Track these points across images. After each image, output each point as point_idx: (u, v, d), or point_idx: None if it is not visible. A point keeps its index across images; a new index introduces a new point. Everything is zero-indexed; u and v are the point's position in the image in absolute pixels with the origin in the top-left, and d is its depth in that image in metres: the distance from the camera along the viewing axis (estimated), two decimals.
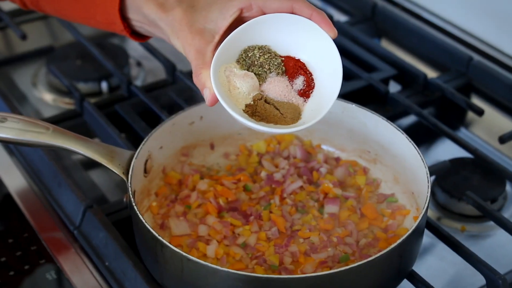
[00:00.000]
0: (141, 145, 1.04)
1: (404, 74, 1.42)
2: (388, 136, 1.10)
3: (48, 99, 1.47)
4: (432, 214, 1.20)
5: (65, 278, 1.05)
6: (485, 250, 1.12)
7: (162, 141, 1.10)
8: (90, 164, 1.27)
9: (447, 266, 1.11)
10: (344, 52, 1.47)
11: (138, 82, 1.50)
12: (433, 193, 1.22)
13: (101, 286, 1.04)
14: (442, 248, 1.09)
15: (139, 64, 1.55)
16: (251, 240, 1.01)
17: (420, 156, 1.02)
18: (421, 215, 0.94)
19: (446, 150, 1.31)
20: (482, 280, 1.02)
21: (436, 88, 1.38)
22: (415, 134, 1.12)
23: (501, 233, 1.13)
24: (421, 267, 1.06)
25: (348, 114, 1.13)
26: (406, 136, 1.06)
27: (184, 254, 0.89)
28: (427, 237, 1.10)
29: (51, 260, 1.07)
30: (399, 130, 1.08)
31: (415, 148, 1.04)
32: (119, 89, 1.45)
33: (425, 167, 1.01)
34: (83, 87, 1.44)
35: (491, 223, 1.16)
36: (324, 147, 1.18)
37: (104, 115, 1.29)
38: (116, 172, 1.01)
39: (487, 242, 1.16)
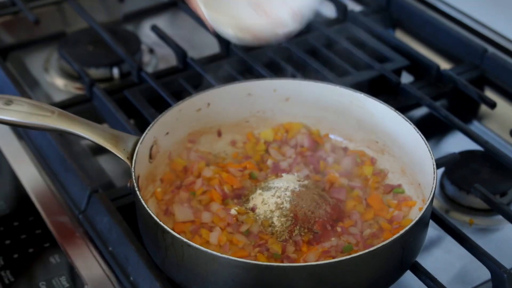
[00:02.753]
0: (146, 131, 1.04)
1: (417, 65, 1.40)
2: (396, 127, 1.09)
3: (59, 84, 1.47)
4: (440, 206, 1.19)
5: (68, 262, 1.05)
6: (492, 244, 1.10)
7: (169, 127, 1.09)
8: (99, 150, 1.27)
9: (453, 259, 1.09)
10: (357, 42, 1.46)
11: (150, 69, 1.50)
12: (442, 186, 1.21)
13: (103, 271, 1.04)
14: (448, 241, 1.08)
15: (151, 50, 1.55)
16: (254, 228, 1.01)
17: (427, 147, 1.01)
18: (426, 206, 0.93)
19: (457, 143, 1.30)
20: (488, 274, 1.01)
21: (448, 80, 1.36)
22: (426, 126, 1.12)
23: (509, 227, 1.12)
24: (427, 260, 1.05)
25: (356, 103, 1.13)
26: (414, 126, 1.05)
27: (184, 240, 0.89)
28: (434, 230, 1.09)
29: (56, 244, 1.08)
30: (407, 121, 1.06)
31: (422, 139, 1.03)
32: (130, 75, 1.44)
33: (432, 158, 0.99)
34: (94, 72, 1.44)
35: (500, 217, 1.15)
36: (332, 136, 1.17)
37: (114, 100, 1.29)
38: (120, 157, 1.01)
39: (495, 236, 1.15)
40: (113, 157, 1.04)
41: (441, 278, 0.99)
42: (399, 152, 1.10)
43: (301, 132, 1.17)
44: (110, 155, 1.04)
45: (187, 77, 1.36)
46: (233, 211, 1.02)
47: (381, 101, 1.10)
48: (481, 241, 1.03)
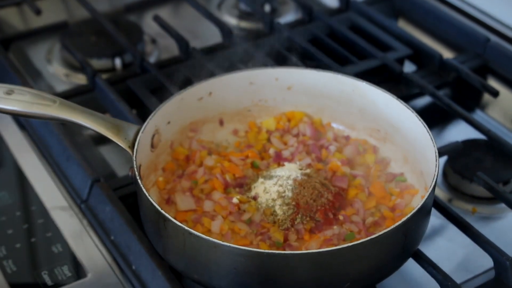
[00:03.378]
0: (148, 120, 1.04)
1: (420, 54, 1.40)
2: (398, 115, 1.08)
3: (62, 75, 1.47)
4: (443, 195, 1.18)
5: (71, 251, 1.05)
6: (496, 232, 1.10)
7: (170, 116, 1.09)
8: (101, 140, 1.27)
9: (456, 248, 1.09)
10: (359, 31, 1.45)
11: (152, 59, 1.49)
12: (444, 174, 1.21)
13: (106, 260, 1.04)
14: (451, 230, 1.08)
15: (153, 41, 1.55)
16: (256, 216, 1.01)
17: (429, 134, 1.01)
18: (428, 194, 0.93)
19: (460, 132, 1.29)
20: (490, 262, 1.00)
21: (451, 68, 1.36)
22: (429, 115, 1.11)
23: None
24: (429, 248, 1.05)
25: (358, 92, 1.12)
26: (416, 114, 1.05)
27: (186, 228, 0.89)
28: (437, 219, 1.09)
29: (58, 233, 1.07)
30: (409, 109, 1.06)
31: (424, 126, 1.02)
32: (132, 65, 1.44)
33: (434, 146, 0.99)
34: (96, 63, 1.43)
35: (503, 205, 1.15)
36: (334, 125, 1.17)
37: (116, 90, 1.28)
38: (122, 145, 1.01)
39: (498, 225, 1.15)
40: (115, 147, 1.04)
41: (444, 266, 0.98)
42: (402, 140, 1.09)
43: (303, 121, 1.16)
44: (112, 145, 1.04)
45: (190, 67, 1.36)
46: (235, 200, 1.02)
47: (383, 89, 1.10)
48: (484, 230, 1.03)
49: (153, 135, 1.06)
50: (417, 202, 1.03)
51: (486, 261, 1.02)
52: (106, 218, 1.07)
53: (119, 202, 1.08)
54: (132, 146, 1.00)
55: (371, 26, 1.46)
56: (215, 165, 1.09)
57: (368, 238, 0.87)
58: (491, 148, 1.21)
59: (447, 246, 1.10)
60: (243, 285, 0.90)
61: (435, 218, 1.08)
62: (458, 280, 0.97)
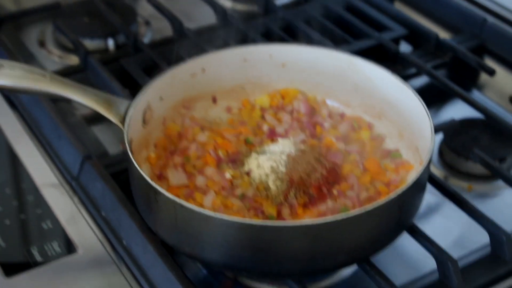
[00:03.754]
0: (139, 94, 1.02)
1: (416, 34, 1.39)
2: (393, 91, 1.07)
3: (55, 56, 1.45)
4: (439, 173, 1.17)
5: (61, 227, 1.03)
6: (492, 209, 1.08)
7: (162, 92, 1.08)
8: (93, 119, 1.26)
9: (452, 225, 1.08)
10: (355, 12, 1.44)
11: (146, 41, 1.48)
12: (440, 152, 1.19)
13: (96, 236, 1.02)
14: (447, 207, 1.07)
15: (147, 23, 1.53)
16: (249, 191, 0.99)
17: (424, 108, 1.00)
18: (423, 167, 0.92)
19: (457, 112, 1.28)
20: (486, 238, 0.99)
21: (448, 48, 1.34)
22: (425, 96, 1.09)
23: (508, 193, 1.11)
24: (425, 225, 1.03)
25: (353, 68, 1.11)
26: (412, 90, 1.03)
27: (177, 201, 0.87)
28: (433, 196, 1.08)
29: (48, 210, 1.06)
30: (404, 84, 1.05)
31: (419, 100, 1.01)
32: (125, 46, 1.43)
33: (430, 120, 0.98)
34: (89, 44, 1.41)
35: (499, 182, 1.13)
36: (329, 102, 1.15)
37: (109, 70, 1.27)
38: (113, 120, 0.99)
39: (493, 202, 1.14)
40: (108, 127, 1.03)
41: (440, 242, 0.97)
42: (397, 116, 1.08)
43: (297, 98, 1.15)
44: (105, 125, 1.03)
45: (183, 47, 1.34)
46: (227, 175, 1.01)
47: (378, 65, 1.08)
48: (480, 207, 1.02)
49: (145, 111, 1.04)
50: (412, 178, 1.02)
51: (482, 238, 1.01)
52: (97, 195, 1.06)
53: (110, 179, 1.06)
54: (123, 121, 0.99)
55: (366, 7, 1.45)
56: (208, 141, 1.07)
57: (363, 210, 0.86)
58: (488, 126, 1.20)
59: (443, 223, 1.09)
60: (236, 258, 0.89)
61: (431, 195, 1.07)
62: (454, 256, 0.96)
